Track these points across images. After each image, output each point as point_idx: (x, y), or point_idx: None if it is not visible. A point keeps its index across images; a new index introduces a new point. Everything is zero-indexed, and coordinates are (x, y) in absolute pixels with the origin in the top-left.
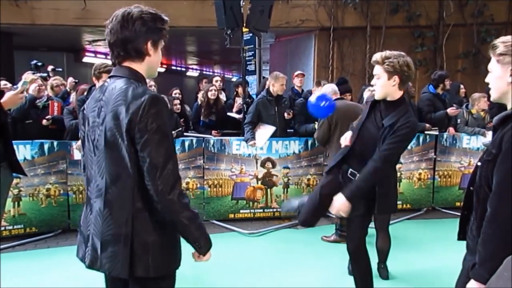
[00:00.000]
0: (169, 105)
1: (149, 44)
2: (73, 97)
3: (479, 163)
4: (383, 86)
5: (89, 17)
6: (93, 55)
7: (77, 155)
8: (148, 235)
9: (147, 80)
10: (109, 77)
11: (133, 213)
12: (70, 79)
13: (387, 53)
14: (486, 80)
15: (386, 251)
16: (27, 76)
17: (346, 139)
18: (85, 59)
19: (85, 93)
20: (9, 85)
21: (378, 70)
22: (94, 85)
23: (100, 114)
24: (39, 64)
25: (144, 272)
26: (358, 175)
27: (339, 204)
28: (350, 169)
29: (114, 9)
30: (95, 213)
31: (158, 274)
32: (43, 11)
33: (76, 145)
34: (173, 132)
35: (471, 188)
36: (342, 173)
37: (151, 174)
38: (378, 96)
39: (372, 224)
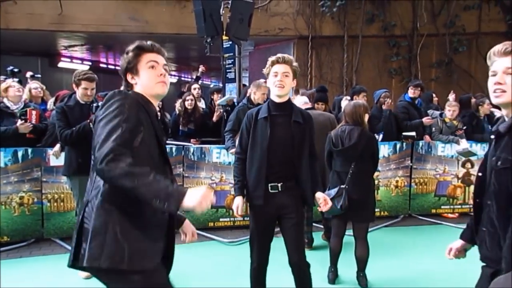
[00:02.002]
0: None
1: (128, 76)
2: (50, 103)
3: (480, 174)
4: None
5: (65, 22)
6: (69, 60)
7: (53, 161)
8: (93, 221)
9: None
10: None
11: (87, 200)
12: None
13: None
14: (490, 83)
15: (365, 259)
16: None
17: None
18: (60, 64)
19: (65, 100)
20: None
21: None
22: (74, 93)
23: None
24: (16, 70)
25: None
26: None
27: None
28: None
29: (91, 15)
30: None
31: (110, 265)
32: (17, 16)
33: (53, 151)
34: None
35: (477, 200)
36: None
37: (93, 151)
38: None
39: (350, 232)
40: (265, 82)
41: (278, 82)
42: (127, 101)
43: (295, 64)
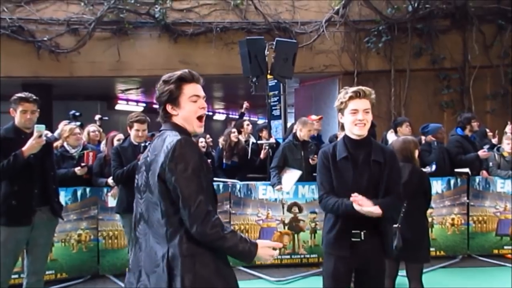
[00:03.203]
0: (197, 145)
1: (168, 106)
2: (103, 145)
3: None
4: None
5: (122, 68)
6: (125, 102)
7: (111, 202)
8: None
9: None
10: (160, 130)
11: (168, 247)
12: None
13: None
14: None
15: None
16: (40, 126)
17: None
18: (117, 107)
19: (121, 141)
20: (49, 134)
21: None
22: (129, 135)
23: (146, 161)
24: (77, 114)
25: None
26: None
27: None
28: None
29: (145, 60)
30: (144, 250)
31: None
32: (81, 64)
33: (111, 192)
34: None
35: None
36: None
37: (184, 210)
38: None
39: (403, 273)
40: (309, 117)
41: (359, 122)
42: (196, 149)
43: (373, 96)
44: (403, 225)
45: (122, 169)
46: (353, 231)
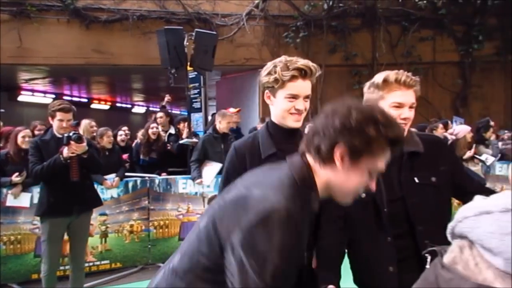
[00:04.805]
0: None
1: None
2: None
3: None
4: None
5: (25, 55)
6: (30, 93)
7: (10, 201)
8: None
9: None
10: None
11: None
12: None
13: None
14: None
15: None
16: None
17: None
18: (20, 98)
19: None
20: None
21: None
22: (51, 126)
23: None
24: None
25: None
26: None
27: None
28: None
29: (53, 48)
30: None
31: None
32: None
33: (12, 190)
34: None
35: None
36: None
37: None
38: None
39: None
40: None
41: (296, 112)
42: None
43: (317, 75)
44: None
45: (42, 164)
46: None
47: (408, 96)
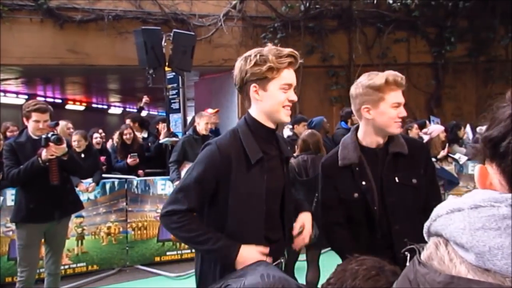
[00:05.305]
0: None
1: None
2: None
3: None
4: None
5: None
6: (2, 94)
7: None
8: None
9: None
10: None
11: None
12: None
13: None
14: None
15: (315, 283)
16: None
17: None
18: None
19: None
20: None
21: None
22: (26, 127)
23: None
24: None
25: None
26: None
27: None
28: None
29: (26, 48)
30: None
31: None
32: None
33: None
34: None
35: None
36: None
37: None
38: None
39: (303, 257)
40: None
41: (288, 106)
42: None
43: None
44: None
45: (19, 167)
46: None
47: (401, 95)
